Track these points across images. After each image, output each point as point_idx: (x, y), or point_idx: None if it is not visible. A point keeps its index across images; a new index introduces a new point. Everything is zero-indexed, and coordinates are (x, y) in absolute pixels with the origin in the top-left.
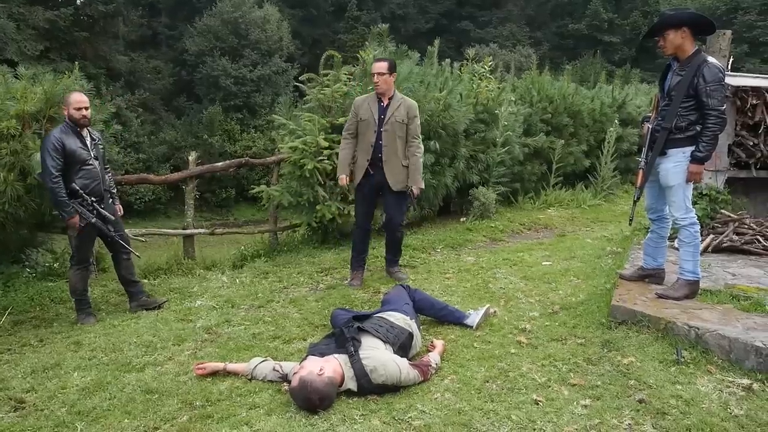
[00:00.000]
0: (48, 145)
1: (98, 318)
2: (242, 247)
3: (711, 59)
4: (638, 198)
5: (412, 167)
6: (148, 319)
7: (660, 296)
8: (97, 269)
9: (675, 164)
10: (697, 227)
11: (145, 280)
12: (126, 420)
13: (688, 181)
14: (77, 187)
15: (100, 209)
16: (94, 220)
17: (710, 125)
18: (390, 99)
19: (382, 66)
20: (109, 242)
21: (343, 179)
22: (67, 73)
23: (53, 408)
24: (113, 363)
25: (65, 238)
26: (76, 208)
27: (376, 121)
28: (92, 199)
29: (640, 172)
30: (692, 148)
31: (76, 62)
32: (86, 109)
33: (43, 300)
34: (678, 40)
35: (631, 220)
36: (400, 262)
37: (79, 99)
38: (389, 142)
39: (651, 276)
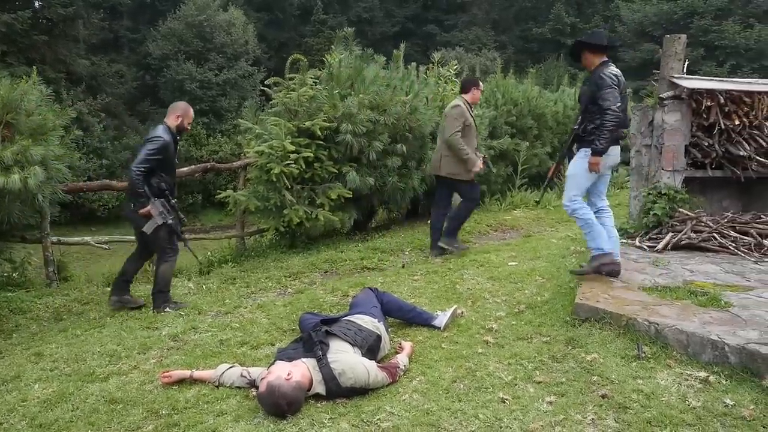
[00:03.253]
0: (157, 143)
1: (62, 327)
2: (209, 253)
3: (606, 69)
4: (545, 185)
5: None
6: (112, 328)
7: (573, 272)
8: (59, 278)
9: (577, 159)
10: (579, 209)
11: (109, 288)
12: (89, 431)
13: (590, 171)
14: (165, 187)
15: (178, 212)
16: (171, 221)
17: (605, 121)
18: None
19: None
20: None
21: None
22: (24, 77)
23: (13, 421)
24: (76, 373)
25: (25, 247)
26: (158, 207)
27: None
28: (174, 201)
29: (552, 166)
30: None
31: (35, 66)
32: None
33: (2, 311)
34: (587, 59)
35: (537, 202)
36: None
37: (192, 115)
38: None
39: (598, 270)
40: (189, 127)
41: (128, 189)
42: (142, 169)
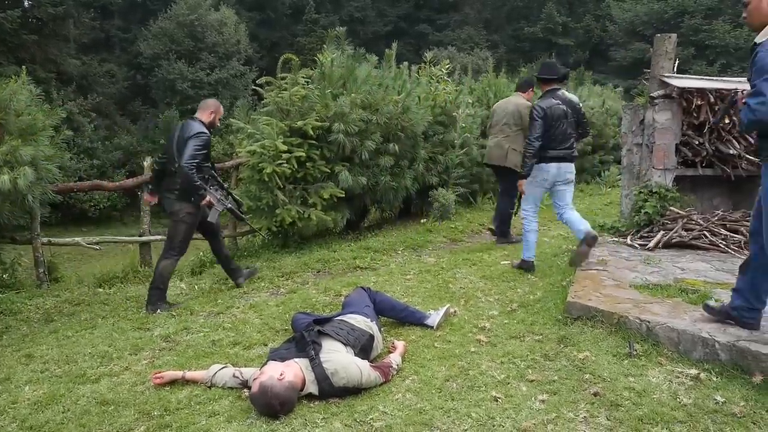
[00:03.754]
0: (203, 138)
1: (53, 329)
2: (201, 253)
3: (540, 102)
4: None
5: None
6: (103, 329)
7: (513, 265)
8: (50, 279)
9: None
10: (524, 220)
11: (100, 289)
12: None
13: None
14: (215, 175)
15: (234, 195)
16: (230, 205)
17: (524, 149)
18: None
19: None
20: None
21: None
22: (14, 77)
23: (3, 424)
24: (67, 375)
25: (15, 248)
26: (216, 195)
27: None
28: (226, 185)
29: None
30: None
31: (24, 66)
32: None
33: None
34: (540, 87)
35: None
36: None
37: (222, 111)
38: None
39: (585, 244)
40: (219, 123)
41: (182, 186)
42: (194, 164)
